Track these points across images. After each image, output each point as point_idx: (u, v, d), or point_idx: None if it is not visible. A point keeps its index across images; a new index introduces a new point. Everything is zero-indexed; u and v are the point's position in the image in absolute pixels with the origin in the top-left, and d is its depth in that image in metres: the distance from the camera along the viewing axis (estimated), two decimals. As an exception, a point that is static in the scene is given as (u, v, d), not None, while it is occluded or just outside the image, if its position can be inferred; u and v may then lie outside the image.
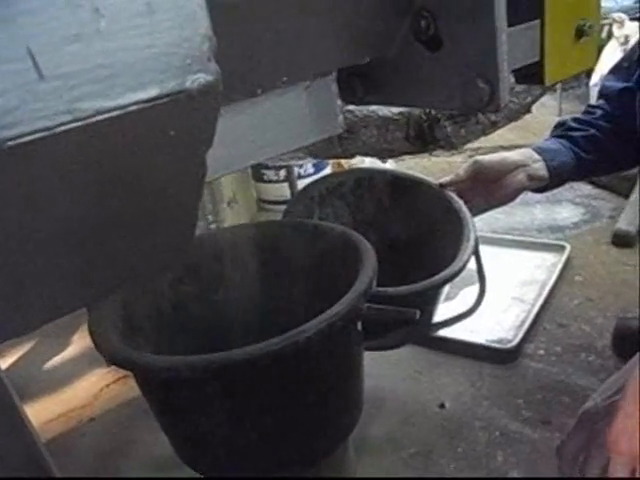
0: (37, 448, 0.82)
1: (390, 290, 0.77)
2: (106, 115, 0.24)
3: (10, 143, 0.22)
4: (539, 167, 1.00)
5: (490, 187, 1.02)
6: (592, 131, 1.02)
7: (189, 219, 0.37)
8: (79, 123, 0.23)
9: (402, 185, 1.02)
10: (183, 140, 0.28)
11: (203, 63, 0.26)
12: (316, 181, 1.06)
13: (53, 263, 0.34)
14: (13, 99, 0.22)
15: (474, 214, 0.99)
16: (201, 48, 0.25)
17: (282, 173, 2.02)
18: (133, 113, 0.25)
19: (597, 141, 1.02)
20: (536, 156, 1.01)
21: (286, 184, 1.96)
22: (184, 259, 0.39)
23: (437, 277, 0.81)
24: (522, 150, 1.04)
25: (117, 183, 0.29)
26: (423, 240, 1.01)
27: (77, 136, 0.24)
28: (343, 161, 2.27)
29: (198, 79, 0.25)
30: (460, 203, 0.96)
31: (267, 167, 2.02)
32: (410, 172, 1.09)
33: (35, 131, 0.23)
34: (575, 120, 1.06)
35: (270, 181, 2.10)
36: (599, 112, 1.04)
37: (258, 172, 2.09)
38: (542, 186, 1.05)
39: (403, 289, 0.78)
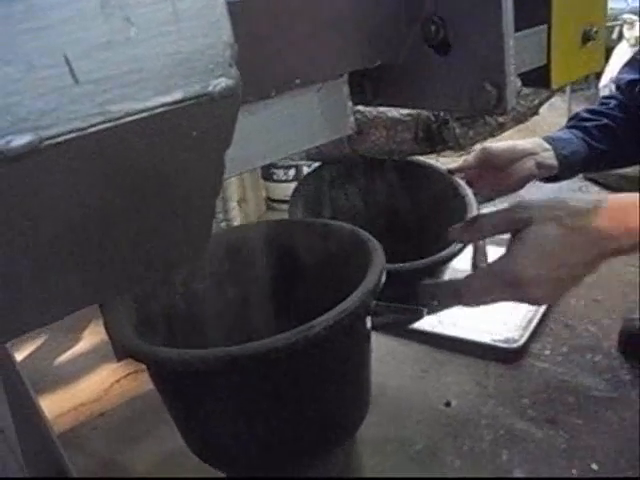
0: (51, 439, 0.84)
1: (394, 266, 0.79)
2: (135, 117, 0.25)
3: (47, 142, 0.24)
4: (548, 156, 1.00)
5: (498, 174, 1.01)
6: (605, 121, 1.02)
7: (207, 217, 0.39)
8: (109, 124, 0.25)
9: (412, 170, 1.03)
10: (204, 140, 0.30)
11: (225, 68, 0.27)
12: (327, 163, 1.07)
13: (75, 257, 0.35)
14: (51, 102, 0.24)
15: (481, 201, 1.00)
16: (223, 54, 0.27)
17: (291, 172, 2.04)
18: (159, 115, 0.26)
19: (610, 130, 1.01)
20: (546, 145, 1.01)
21: (295, 184, 1.98)
22: (201, 256, 0.41)
23: (436, 256, 0.83)
24: (532, 139, 1.03)
25: (140, 181, 0.31)
26: (430, 223, 1.03)
27: (107, 136, 0.25)
28: (352, 161, 2.28)
29: (220, 83, 0.27)
30: (467, 190, 0.97)
31: (276, 167, 2.03)
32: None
33: (70, 131, 0.24)
34: (588, 111, 1.06)
35: (279, 180, 2.12)
36: (613, 102, 1.04)
37: (267, 171, 2.11)
38: (552, 176, 1.04)
39: (406, 265, 0.81)
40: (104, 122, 0.25)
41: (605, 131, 1.01)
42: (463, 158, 1.05)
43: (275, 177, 2.12)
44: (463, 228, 0.63)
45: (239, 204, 1.73)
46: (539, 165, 1.00)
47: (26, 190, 0.26)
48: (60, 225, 0.30)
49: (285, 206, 2.20)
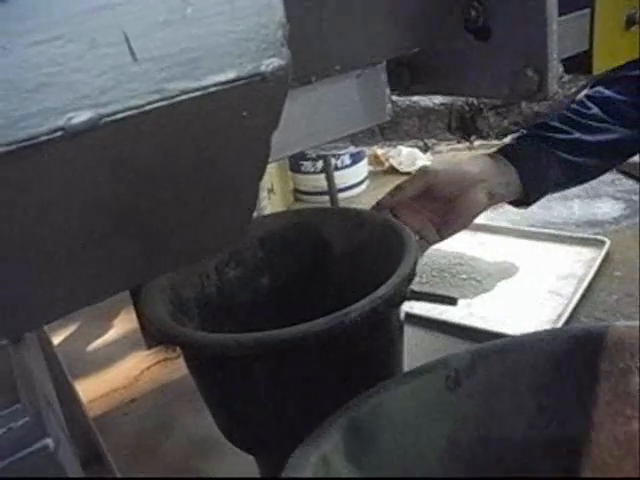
0: (87, 421, 0.86)
1: None
2: (190, 95, 0.26)
3: (105, 119, 0.25)
4: (500, 182, 0.84)
5: (442, 209, 0.84)
6: (576, 134, 0.90)
7: (250, 200, 0.39)
8: (166, 102, 0.26)
9: None
10: (253, 121, 0.30)
11: (277, 48, 0.27)
12: None
13: (119, 237, 0.36)
14: (110, 80, 0.24)
15: (423, 250, 0.82)
16: (276, 34, 0.27)
17: (319, 164, 2.03)
18: (213, 94, 0.27)
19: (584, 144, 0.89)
20: (503, 167, 0.86)
21: (322, 175, 1.98)
22: (242, 240, 0.42)
23: None
24: (487, 158, 0.88)
25: (190, 161, 0.31)
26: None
27: (164, 114, 0.26)
28: (380, 153, 2.27)
29: (272, 63, 0.27)
30: None
31: (304, 158, 2.03)
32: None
33: (128, 109, 0.25)
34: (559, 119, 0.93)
35: (307, 172, 2.12)
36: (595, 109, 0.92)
37: (295, 163, 2.11)
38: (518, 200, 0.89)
39: None
40: (161, 100, 0.25)
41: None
42: (396, 185, 0.82)
43: (303, 169, 2.12)
44: None
45: (268, 195, 1.74)
46: (490, 196, 0.84)
47: (82, 166, 0.26)
48: (107, 202, 0.31)
49: (313, 198, 2.20)
